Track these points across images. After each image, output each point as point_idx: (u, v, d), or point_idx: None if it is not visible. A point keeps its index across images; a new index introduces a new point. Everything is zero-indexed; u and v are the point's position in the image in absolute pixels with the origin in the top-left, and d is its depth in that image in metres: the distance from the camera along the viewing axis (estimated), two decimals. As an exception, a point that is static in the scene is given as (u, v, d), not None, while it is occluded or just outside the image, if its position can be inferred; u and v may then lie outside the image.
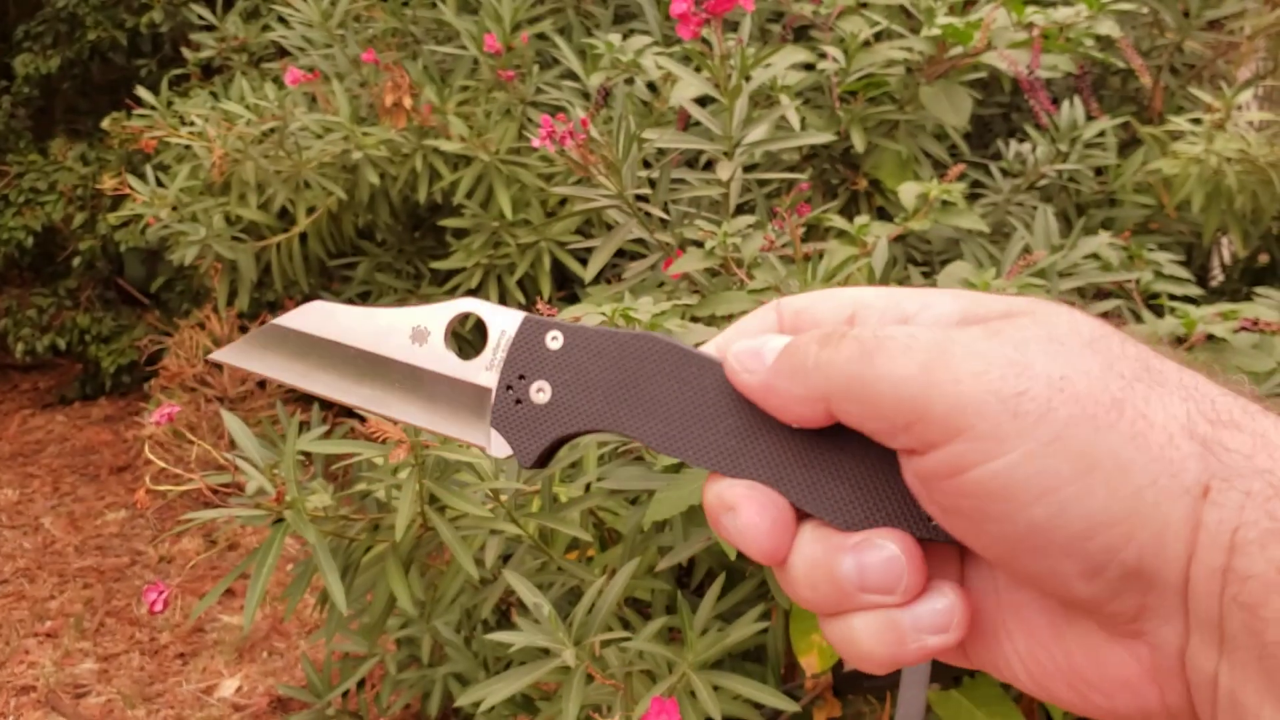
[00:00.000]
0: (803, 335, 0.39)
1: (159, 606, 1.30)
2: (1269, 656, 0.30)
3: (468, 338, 0.51)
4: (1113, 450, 0.32)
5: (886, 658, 0.38)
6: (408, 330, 0.46)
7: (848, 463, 0.39)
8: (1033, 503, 0.33)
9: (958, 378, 0.34)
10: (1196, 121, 2.06)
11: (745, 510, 0.40)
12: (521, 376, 0.43)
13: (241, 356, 0.49)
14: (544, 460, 0.44)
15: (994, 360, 0.34)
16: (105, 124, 3.11)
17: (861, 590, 0.38)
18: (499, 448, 0.44)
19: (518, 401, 0.43)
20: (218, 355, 0.50)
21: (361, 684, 1.86)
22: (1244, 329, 1.41)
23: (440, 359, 0.45)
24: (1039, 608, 0.38)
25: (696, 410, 0.41)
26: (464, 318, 0.46)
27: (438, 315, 0.46)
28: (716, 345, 0.44)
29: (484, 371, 0.44)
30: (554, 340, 0.43)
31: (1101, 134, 2.06)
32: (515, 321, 0.44)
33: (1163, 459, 0.32)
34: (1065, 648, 0.37)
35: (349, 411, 3.02)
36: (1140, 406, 0.33)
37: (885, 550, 0.38)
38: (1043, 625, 0.38)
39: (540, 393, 0.43)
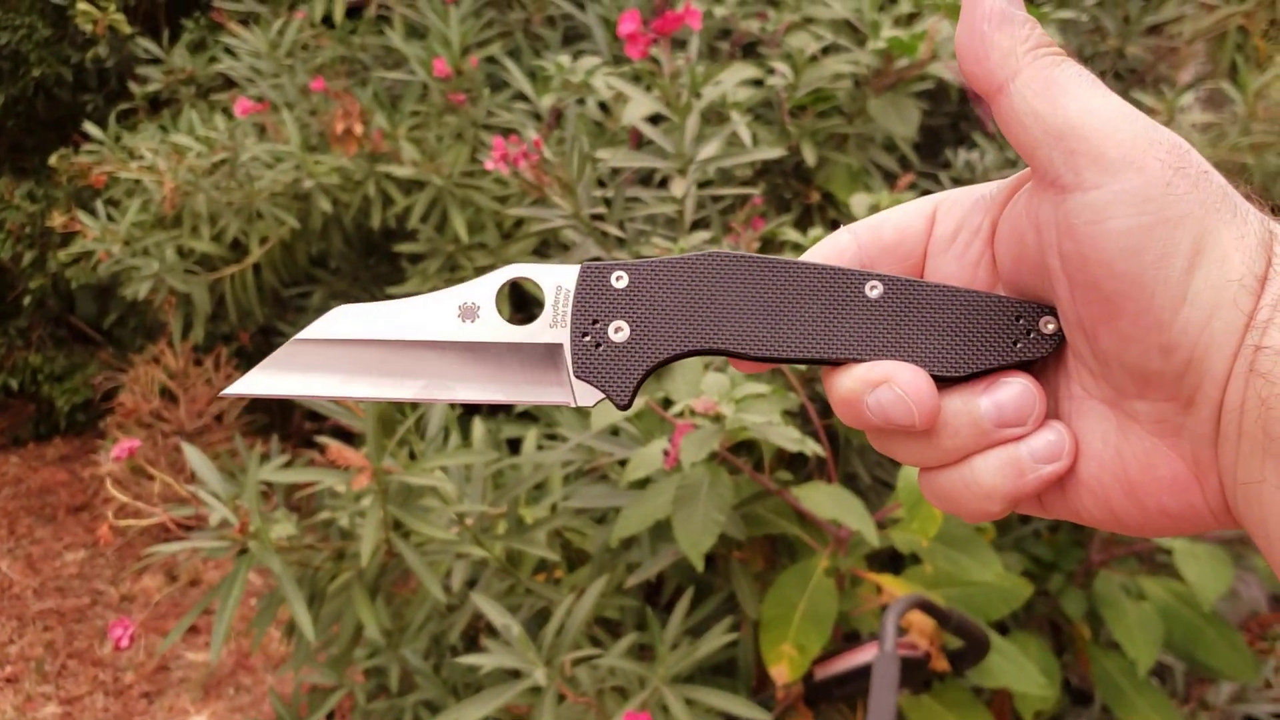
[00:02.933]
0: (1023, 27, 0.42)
1: (124, 642, 1.28)
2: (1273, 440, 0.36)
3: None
4: (1222, 244, 0.38)
5: (1009, 491, 0.42)
6: (454, 310, 0.45)
7: (936, 318, 0.42)
8: (1151, 265, 0.38)
9: (1136, 134, 0.39)
10: (1140, 125, 2.09)
11: (900, 376, 0.42)
12: (595, 321, 0.43)
13: (264, 383, 0.46)
14: (636, 395, 0.44)
15: (1164, 136, 0.39)
16: (53, 161, 3.07)
17: (999, 425, 0.42)
18: (587, 396, 0.43)
19: (597, 345, 0.43)
20: (236, 388, 0.47)
21: (330, 716, 1.84)
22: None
23: (498, 329, 0.44)
24: (1100, 428, 0.42)
25: (780, 307, 0.42)
26: (509, 285, 0.45)
27: (483, 288, 0.45)
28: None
29: (549, 329, 0.44)
30: (619, 280, 0.43)
31: (1048, 140, 2.09)
32: (572, 274, 0.43)
33: (1249, 262, 0.38)
34: (1122, 461, 0.41)
35: (310, 441, 3.00)
36: (1244, 216, 0.39)
37: (1016, 385, 0.43)
38: (1102, 445, 0.42)
39: (619, 332, 0.43)
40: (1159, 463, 0.40)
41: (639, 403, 1.34)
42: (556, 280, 0.43)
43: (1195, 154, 0.39)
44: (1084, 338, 0.41)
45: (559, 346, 0.43)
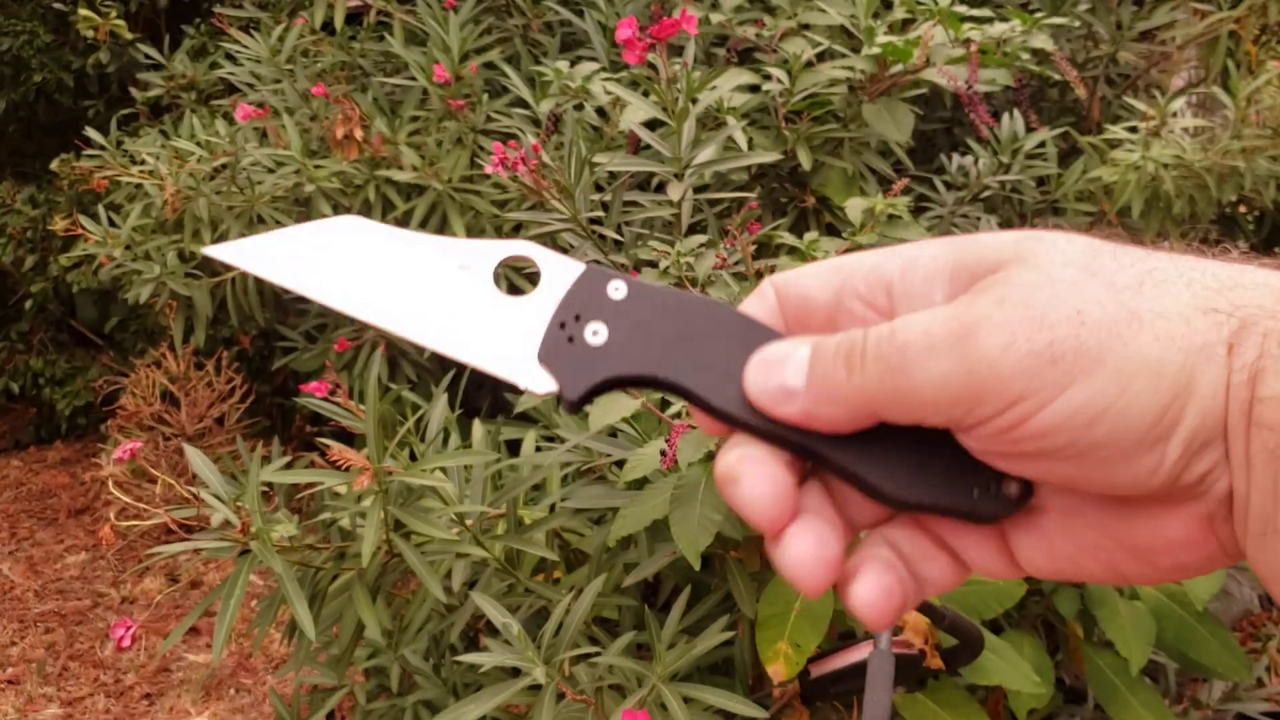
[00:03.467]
0: (822, 355, 0.40)
1: (126, 643, 1.29)
2: None
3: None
4: (1144, 356, 0.35)
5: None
6: (455, 262, 0.44)
7: (899, 436, 0.40)
8: (1092, 426, 0.36)
9: (991, 357, 0.36)
10: (1133, 130, 2.11)
11: (747, 480, 0.41)
12: (577, 317, 0.43)
13: (247, 256, 0.45)
14: (587, 399, 0.43)
15: (1014, 326, 0.36)
16: (54, 165, 3.09)
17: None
18: (541, 383, 0.43)
19: (570, 339, 0.43)
20: (215, 249, 0.45)
21: (331, 716, 1.85)
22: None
23: (487, 291, 0.44)
24: (1093, 518, 0.40)
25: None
26: (515, 262, 0.45)
27: (489, 253, 0.44)
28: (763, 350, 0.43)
29: (533, 308, 0.43)
30: (616, 290, 0.43)
31: (1042, 145, 2.11)
32: (576, 269, 0.43)
33: (1186, 342, 0.35)
34: (1128, 533, 0.39)
35: (310, 444, 3.01)
36: (1153, 307, 0.36)
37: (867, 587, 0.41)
38: (1097, 530, 0.40)
39: (595, 335, 0.42)
40: (1169, 525, 0.38)
41: (634, 404, 1.36)
42: (558, 268, 0.43)
43: (1069, 282, 0.36)
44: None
45: (534, 330, 0.43)
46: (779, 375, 0.40)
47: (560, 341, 0.42)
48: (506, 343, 0.43)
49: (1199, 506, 0.37)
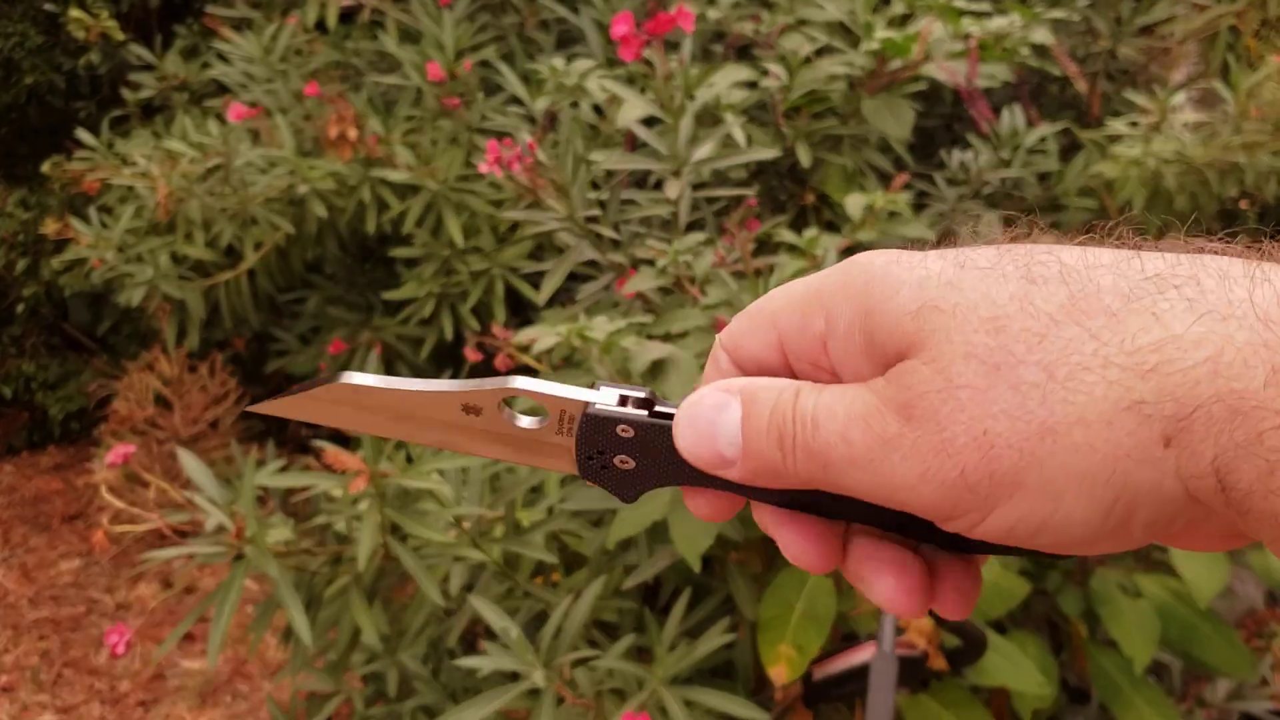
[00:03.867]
0: (755, 430, 0.39)
1: (120, 649, 1.28)
2: None
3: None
4: (1065, 471, 0.32)
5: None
6: (458, 407, 0.45)
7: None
8: (1036, 535, 0.34)
9: (910, 483, 0.35)
10: (1133, 125, 2.10)
11: (785, 540, 0.42)
12: (601, 452, 0.43)
13: (293, 409, 0.47)
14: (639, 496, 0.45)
15: (925, 454, 0.34)
16: (45, 168, 3.06)
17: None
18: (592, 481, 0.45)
19: (603, 468, 0.43)
20: (261, 406, 0.48)
21: (328, 721, 1.83)
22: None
23: (504, 423, 0.45)
24: None
25: None
26: (510, 396, 0.45)
27: (486, 395, 0.44)
28: (689, 404, 0.42)
29: (555, 435, 0.44)
30: (625, 431, 0.43)
31: (1043, 140, 2.10)
32: (576, 409, 0.43)
33: (1111, 449, 0.32)
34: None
35: (305, 448, 2.99)
36: (1067, 413, 0.32)
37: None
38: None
39: (624, 463, 0.43)
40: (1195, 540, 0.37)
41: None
42: (561, 405, 0.43)
43: (973, 387, 0.33)
44: None
45: (566, 457, 0.44)
46: (711, 442, 0.40)
47: (596, 468, 0.44)
48: (547, 454, 0.45)
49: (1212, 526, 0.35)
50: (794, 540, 0.41)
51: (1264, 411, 0.30)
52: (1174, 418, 0.31)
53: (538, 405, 0.43)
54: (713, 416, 0.40)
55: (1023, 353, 0.33)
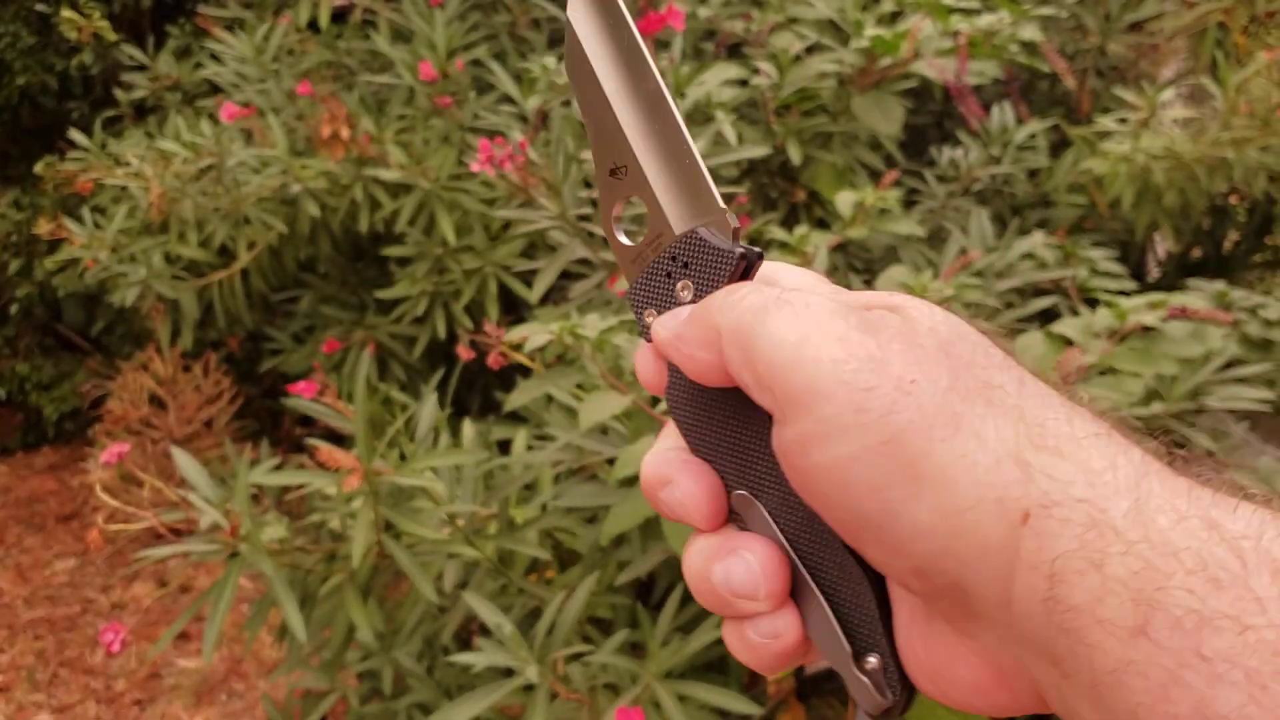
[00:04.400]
0: (698, 308, 0.41)
1: (115, 647, 1.28)
2: (1100, 684, 0.31)
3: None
4: (941, 466, 0.33)
5: (747, 661, 0.41)
6: (609, 163, 0.47)
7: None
8: (866, 496, 0.34)
9: (819, 358, 0.35)
10: (1123, 121, 2.11)
11: (683, 483, 0.42)
12: (669, 275, 0.45)
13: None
14: None
15: (856, 351, 0.35)
16: (38, 168, 3.06)
17: (731, 595, 0.40)
18: None
19: (669, 275, 0.45)
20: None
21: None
22: (1174, 317, 1.45)
23: (612, 225, 0.48)
24: (904, 602, 0.39)
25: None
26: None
27: (625, 179, 0.47)
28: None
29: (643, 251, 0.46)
30: (685, 291, 0.44)
31: (1032, 137, 2.11)
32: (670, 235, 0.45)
33: (986, 482, 0.33)
34: (926, 643, 0.38)
35: (300, 446, 2.99)
36: (975, 425, 0.34)
37: (743, 561, 0.40)
38: (907, 618, 0.39)
39: (685, 290, 0.44)
40: (960, 661, 0.36)
41: (625, 401, 1.35)
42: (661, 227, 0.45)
43: (924, 351, 0.36)
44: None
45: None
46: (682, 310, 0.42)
47: (659, 289, 0.45)
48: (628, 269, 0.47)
49: (984, 654, 0.35)
50: (690, 485, 0.42)
51: (1115, 537, 0.31)
52: (1044, 496, 0.32)
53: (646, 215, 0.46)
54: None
55: (969, 362, 0.36)
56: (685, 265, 0.44)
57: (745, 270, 0.43)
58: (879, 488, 0.34)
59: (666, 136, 0.45)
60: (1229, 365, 1.51)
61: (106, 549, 3.16)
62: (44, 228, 2.69)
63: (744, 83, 1.97)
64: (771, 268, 0.44)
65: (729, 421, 0.42)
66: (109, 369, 3.64)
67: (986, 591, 0.33)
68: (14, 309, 3.83)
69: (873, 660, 0.39)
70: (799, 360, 0.36)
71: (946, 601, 0.35)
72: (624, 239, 0.47)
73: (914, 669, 0.38)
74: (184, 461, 1.41)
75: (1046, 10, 2.02)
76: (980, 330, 0.39)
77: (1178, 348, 1.48)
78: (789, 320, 0.37)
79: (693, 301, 0.43)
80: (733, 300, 0.39)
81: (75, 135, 2.80)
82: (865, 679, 0.39)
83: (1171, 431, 1.64)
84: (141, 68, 3.23)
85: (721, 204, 0.44)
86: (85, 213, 2.68)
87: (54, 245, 2.98)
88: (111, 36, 2.96)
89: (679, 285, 0.44)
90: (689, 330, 0.41)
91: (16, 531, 3.43)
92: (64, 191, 3.13)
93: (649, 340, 0.45)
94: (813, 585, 0.40)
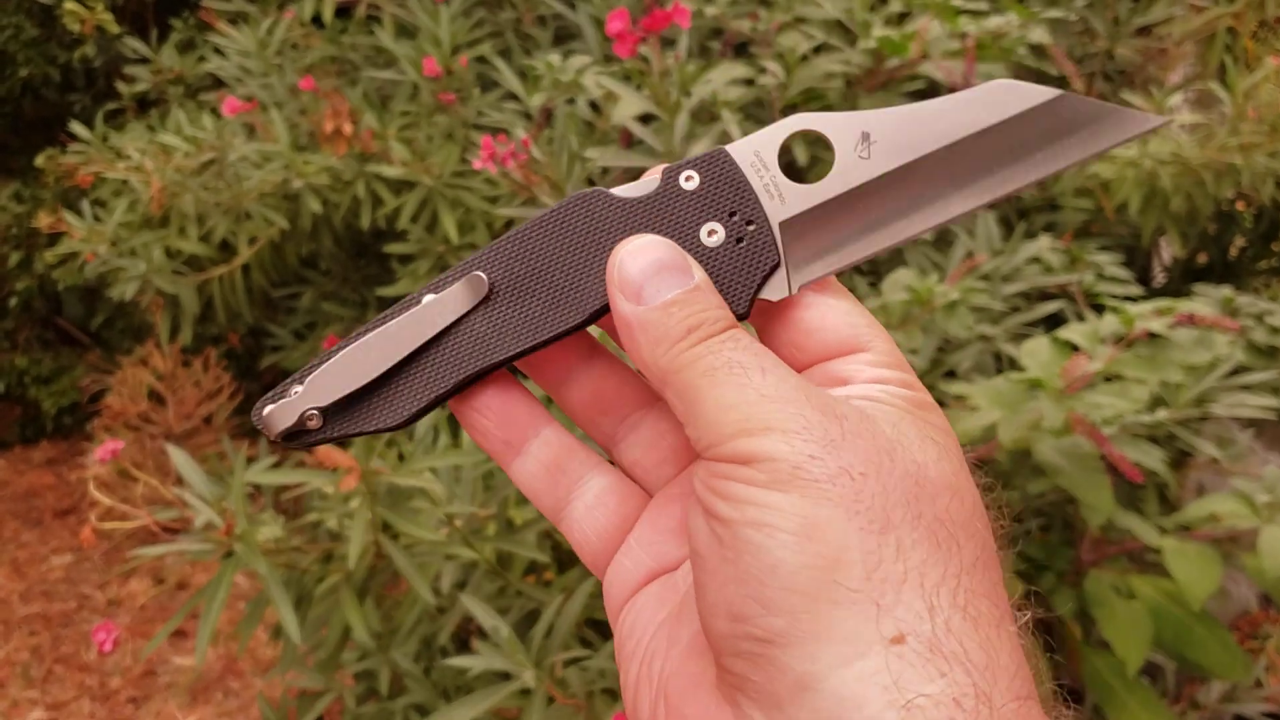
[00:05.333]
0: (675, 307, 0.40)
1: (108, 646, 1.27)
2: None
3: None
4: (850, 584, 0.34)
5: None
6: None
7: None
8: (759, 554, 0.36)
9: (770, 429, 0.37)
10: (1130, 125, 2.09)
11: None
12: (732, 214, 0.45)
13: None
14: None
15: (814, 432, 0.36)
16: (39, 161, 3.05)
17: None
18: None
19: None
20: None
21: None
22: (1180, 324, 1.43)
23: None
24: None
25: None
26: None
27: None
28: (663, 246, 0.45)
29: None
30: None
31: (1038, 140, 2.09)
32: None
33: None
34: (679, 671, 0.40)
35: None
36: (889, 565, 0.35)
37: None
38: (684, 646, 0.42)
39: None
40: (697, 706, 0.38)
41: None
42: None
43: (884, 463, 0.37)
44: None
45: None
46: (643, 280, 0.41)
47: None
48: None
49: None
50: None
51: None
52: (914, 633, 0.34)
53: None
54: (682, 265, 0.41)
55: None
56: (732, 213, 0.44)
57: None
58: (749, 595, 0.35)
59: None
60: (1235, 372, 1.50)
61: (103, 545, 3.15)
62: (44, 221, 2.68)
63: (750, 82, 1.95)
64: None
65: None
66: (108, 363, 3.63)
67: (793, 668, 0.34)
68: (14, 302, 3.82)
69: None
70: (745, 430, 0.36)
71: (744, 661, 0.35)
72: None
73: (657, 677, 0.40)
74: (179, 459, 1.40)
75: (1055, 13, 2.01)
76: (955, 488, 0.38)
77: (1184, 354, 1.46)
78: (735, 389, 0.37)
79: (717, 247, 0.43)
80: (685, 357, 0.39)
81: (77, 128, 2.79)
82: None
83: (1177, 439, 1.63)
84: (144, 60, 3.21)
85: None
86: (85, 206, 2.67)
87: (54, 238, 2.96)
88: (115, 29, 2.95)
89: (706, 229, 0.44)
90: (642, 338, 0.40)
91: (13, 526, 3.42)
92: (65, 184, 3.12)
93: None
94: None
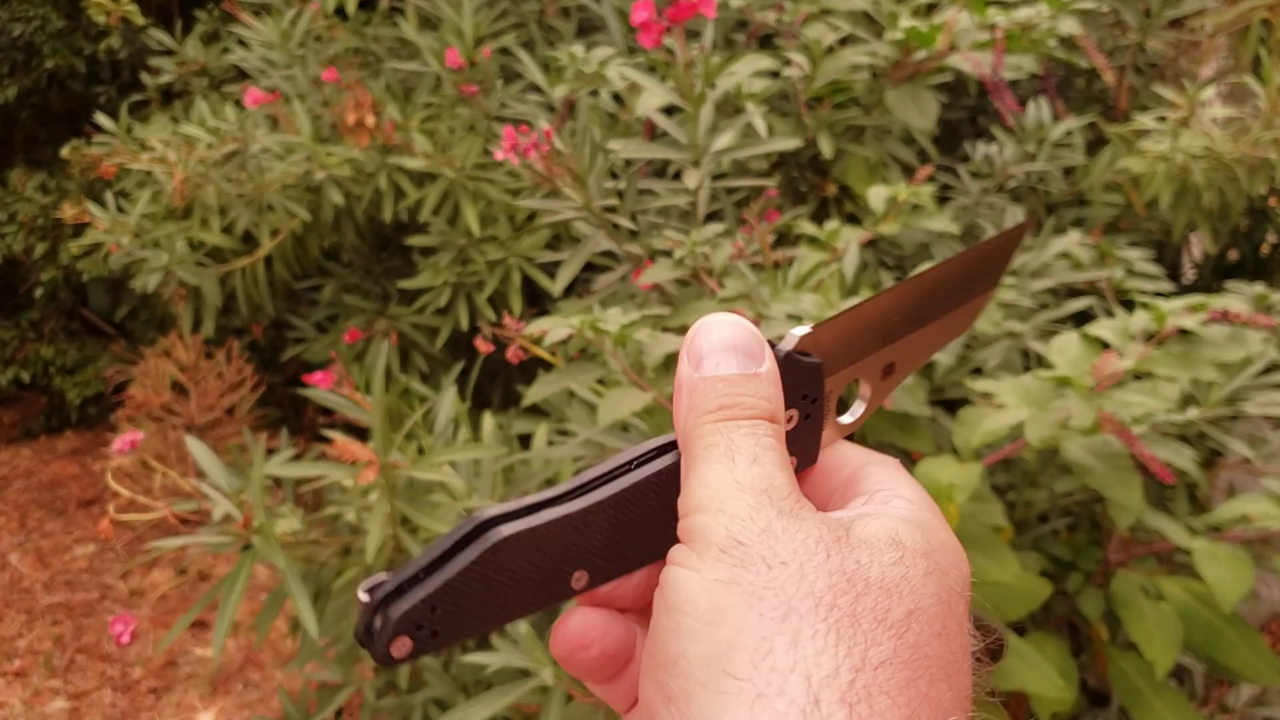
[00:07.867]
0: (722, 384, 0.40)
1: (125, 639, 1.26)
2: None
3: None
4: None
5: None
6: None
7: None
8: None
9: (723, 510, 0.37)
10: (1161, 119, 2.06)
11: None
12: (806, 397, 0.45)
13: None
14: None
15: (757, 519, 0.36)
16: (65, 152, 3.06)
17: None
18: None
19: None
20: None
21: (339, 713, 1.82)
22: (1214, 321, 1.40)
23: None
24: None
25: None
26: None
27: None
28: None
29: None
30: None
31: (1069, 134, 2.06)
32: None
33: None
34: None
35: (319, 435, 2.98)
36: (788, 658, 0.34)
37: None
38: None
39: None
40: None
41: (646, 398, 1.32)
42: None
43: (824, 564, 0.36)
44: None
45: None
46: (746, 355, 0.41)
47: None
48: None
49: None
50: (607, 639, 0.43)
51: None
52: None
53: None
54: (755, 348, 0.41)
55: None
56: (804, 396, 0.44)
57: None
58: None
59: None
60: (1267, 370, 1.47)
61: (125, 535, 3.16)
62: (69, 212, 2.68)
63: (775, 74, 1.93)
64: (888, 474, 0.44)
65: None
66: (132, 354, 3.64)
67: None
68: (39, 293, 3.84)
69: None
70: (700, 507, 0.37)
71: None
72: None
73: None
74: (198, 450, 1.39)
75: (1086, 4, 1.98)
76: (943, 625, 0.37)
77: (1217, 352, 1.44)
78: (720, 470, 0.38)
79: (792, 428, 0.44)
80: (705, 426, 0.40)
81: (101, 119, 2.79)
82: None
83: (1207, 438, 1.60)
84: (169, 52, 3.22)
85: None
86: (110, 197, 2.67)
87: (79, 229, 2.97)
88: (140, 21, 2.95)
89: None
90: (682, 401, 0.41)
91: (38, 516, 3.44)
92: (89, 175, 3.13)
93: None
94: None
